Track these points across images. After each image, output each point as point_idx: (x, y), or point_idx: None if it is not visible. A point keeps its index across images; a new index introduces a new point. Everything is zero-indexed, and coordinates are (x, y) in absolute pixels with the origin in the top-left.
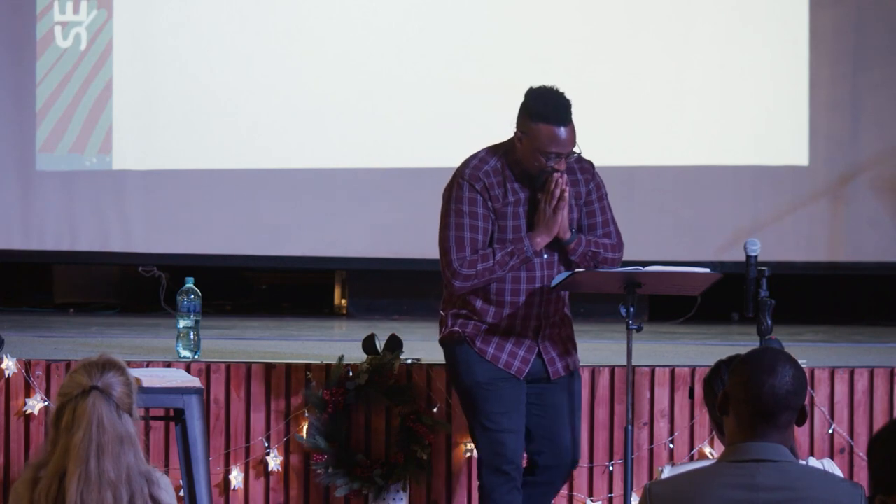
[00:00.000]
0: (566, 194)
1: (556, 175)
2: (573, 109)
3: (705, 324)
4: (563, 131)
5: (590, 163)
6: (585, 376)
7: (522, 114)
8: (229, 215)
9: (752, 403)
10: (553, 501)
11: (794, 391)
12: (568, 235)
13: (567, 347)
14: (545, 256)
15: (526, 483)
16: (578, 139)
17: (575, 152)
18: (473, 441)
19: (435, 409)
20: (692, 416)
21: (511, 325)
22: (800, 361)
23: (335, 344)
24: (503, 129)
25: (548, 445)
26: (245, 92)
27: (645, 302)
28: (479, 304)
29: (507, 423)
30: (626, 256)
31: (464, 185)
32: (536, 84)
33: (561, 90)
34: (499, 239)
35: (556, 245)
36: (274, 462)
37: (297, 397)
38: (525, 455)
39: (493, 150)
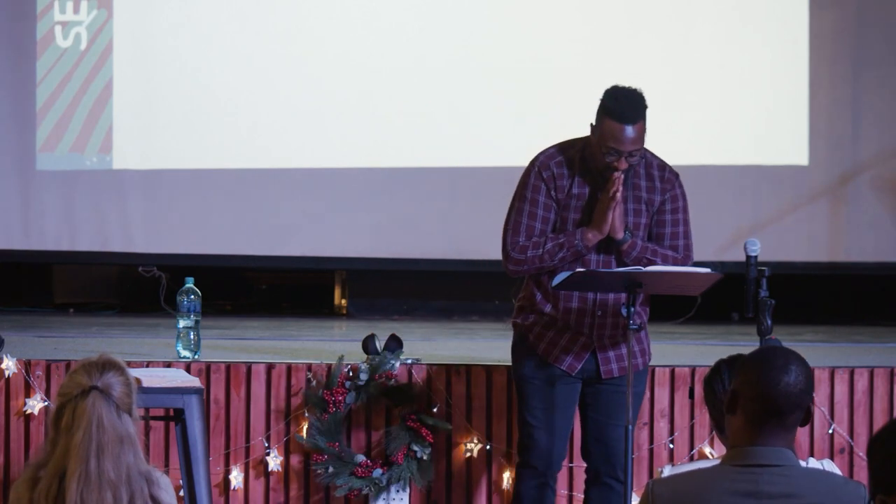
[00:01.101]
0: (618, 195)
1: (615, 174)
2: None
3: (705, 324)
4: (626, 129)
5: (675, 174)
6: None
7: (598, 108)
8: (229, 215)
9: (763, 402)
10: (553, 501)
11: (806, 390)
12: (620, 235)
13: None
14: (601, 256)
15: (592, 491)
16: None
17: (637, 152)
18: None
19: (435, 409)
20: (692, 416)
21: (566, 321)
22: None
23: (335, 344)
24: (503, 128)
25: (595, 447)
26: (245, 92)
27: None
28: (539, 297)
29: (545, 419)
30: None
31: (532, 172)
32: (534, 84)
33: (640, 91)
34: (560, 230)
35: (613, 246)
36: (274, 462)
37: (297, 397)
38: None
39: (573, 142)
